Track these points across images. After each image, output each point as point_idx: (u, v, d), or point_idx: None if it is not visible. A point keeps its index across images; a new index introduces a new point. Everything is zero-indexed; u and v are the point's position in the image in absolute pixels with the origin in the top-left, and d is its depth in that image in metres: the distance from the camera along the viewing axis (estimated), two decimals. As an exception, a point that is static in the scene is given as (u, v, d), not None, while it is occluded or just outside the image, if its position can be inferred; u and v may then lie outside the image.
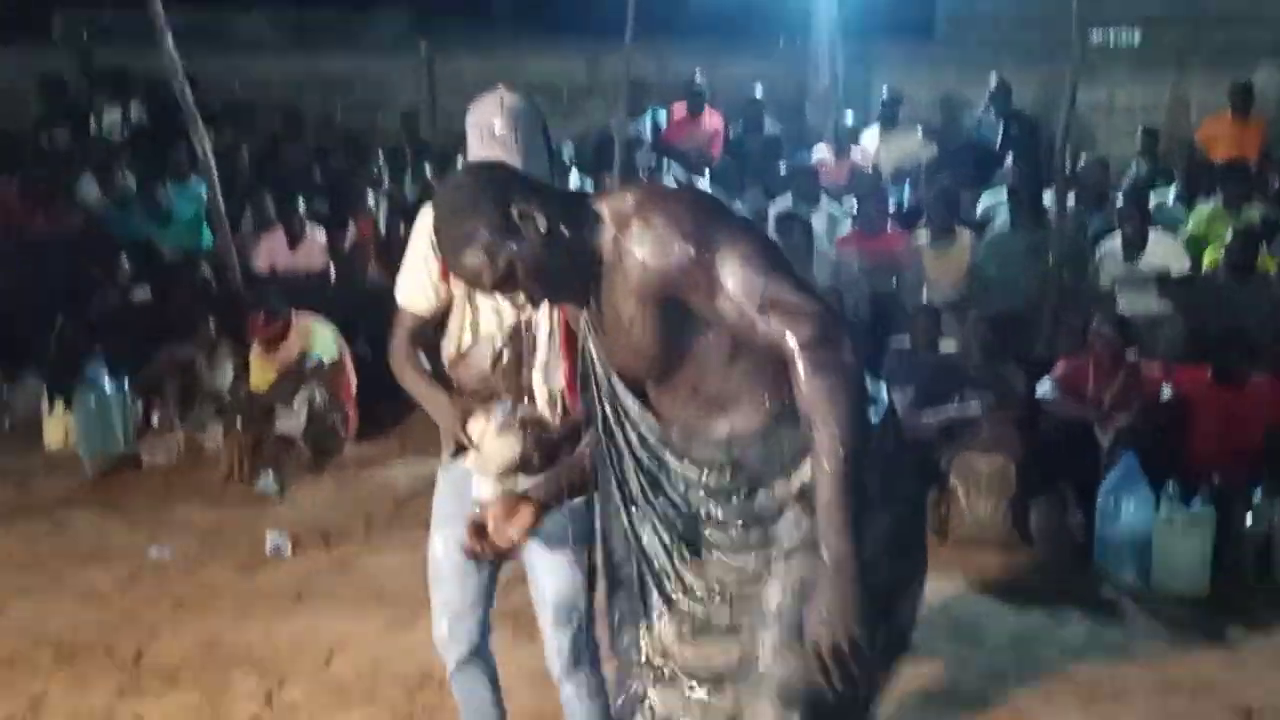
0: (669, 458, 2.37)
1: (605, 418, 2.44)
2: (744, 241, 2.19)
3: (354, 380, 6.84)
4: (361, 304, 7.21)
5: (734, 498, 2.33)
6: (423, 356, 3.15)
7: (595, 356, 2.41)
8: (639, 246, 2.20)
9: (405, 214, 9.11)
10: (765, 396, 2.28)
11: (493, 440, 2.91)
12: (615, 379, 2.39)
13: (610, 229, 2.24)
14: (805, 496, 2.25)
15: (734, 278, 2.15)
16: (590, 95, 11.53)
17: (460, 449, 2.96)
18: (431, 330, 3.14)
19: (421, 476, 6.32)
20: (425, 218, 3.06)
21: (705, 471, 2.34)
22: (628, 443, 2.41)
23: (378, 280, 8.37)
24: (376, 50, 13.04)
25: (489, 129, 2.83)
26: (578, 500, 3.07)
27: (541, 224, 2.21)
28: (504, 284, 2.27)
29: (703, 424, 2.32)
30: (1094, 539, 5.31)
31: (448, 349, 3.12)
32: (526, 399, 3.01)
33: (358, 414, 6.80)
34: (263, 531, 5.57)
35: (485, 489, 3.00)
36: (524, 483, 2.92)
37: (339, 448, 6.69)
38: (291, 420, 6.46)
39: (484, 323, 3.02)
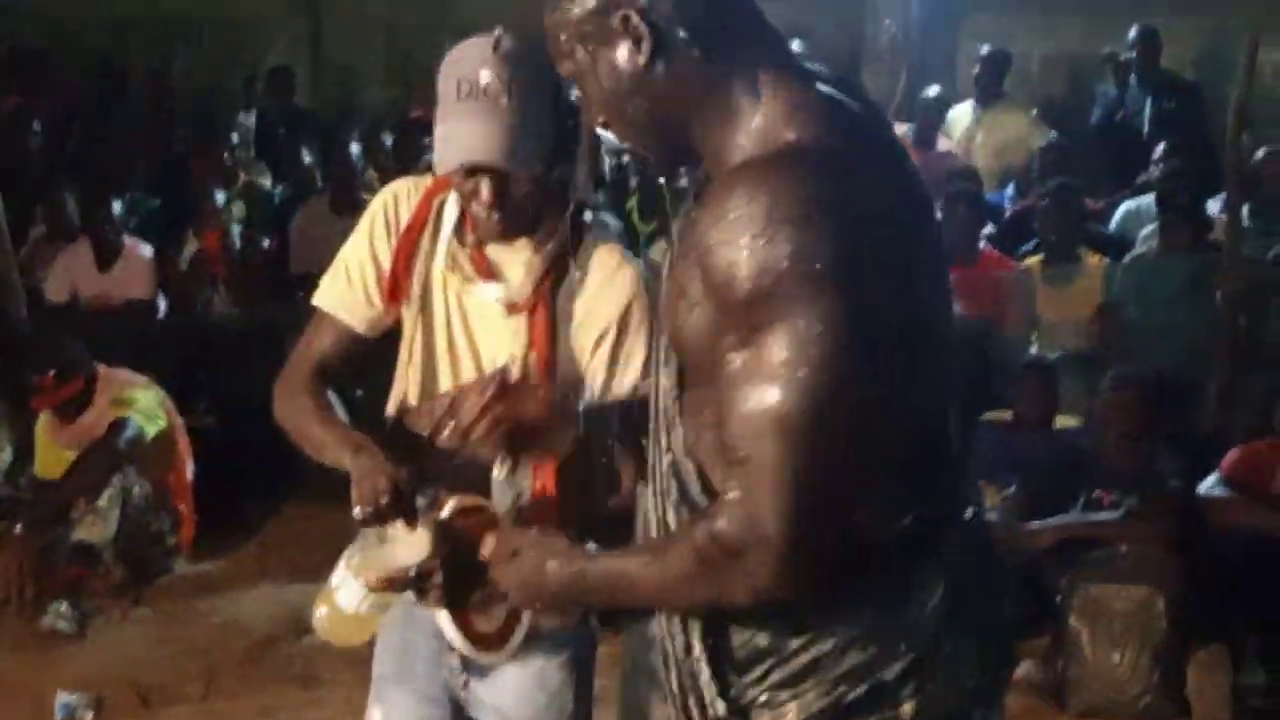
0: None
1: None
2: (827, 334, 2.05)
3: (190, 465, 6.85)
4: (204, 350, 7.26)
5: None
6: (336, 401, 3.10)
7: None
8: (714, 209, 2.12)
9: (272, 220, 9.17)
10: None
11: (394, 533, 2.86)
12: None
13: (742, 142, 2.20)
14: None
15: (760, 365, 2.08)
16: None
17: (377, 518, 2.84)
18: (355, 368, 3.12)
19: (289, 611, 6.31)
20: (386, 192, 3.11)
21: None
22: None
23: (229, 315, 8.42)
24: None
25: (474, 79, 2.83)
26: (569, 692, 3.13)
27: (641, 56, 2.20)
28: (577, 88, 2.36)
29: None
30: (1284, 710, 5.36)
31: (389, 407, 3.13)
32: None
33: (196, 516, 6.81)
34: (53, 688, 5.53)
35: (349, 593, 2.95)
36: (381, 605, 2.92)
37: (167, 566, 6.70)
38: (97, 524, 6.45)
39: (441, 370, 3.04)
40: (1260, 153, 9.00)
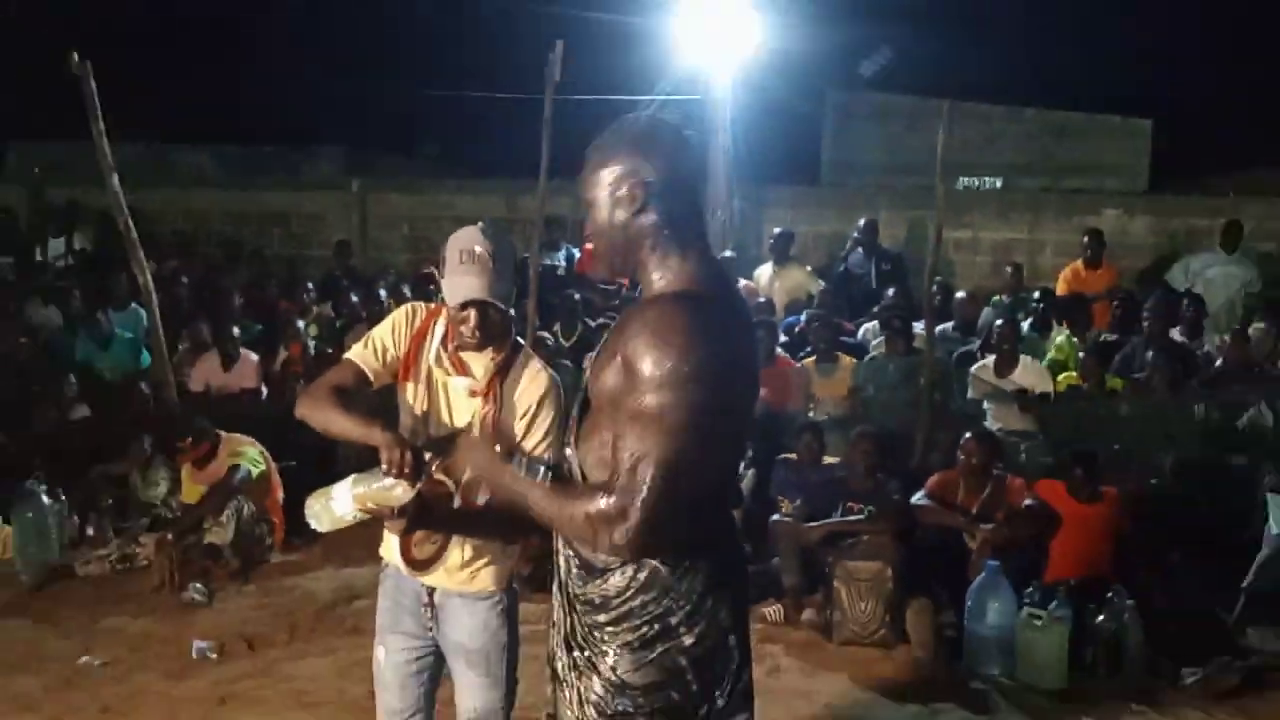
0: None
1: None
2: (686, 409, 2.15)
3: (280, 493, 6.76)
4: (289, 421, 7.18)
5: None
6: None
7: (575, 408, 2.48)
8: (636, 318, 2.24)
9: (333, 336, 9.13)
10: None
11: (391, 481, 2.81)
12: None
13: (661, 282, 2.31)
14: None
15: (643, 416, 2.17)
16: (510, 230, 11.70)
17: (399, 476, 2.77)
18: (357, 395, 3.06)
19: (344, 585, 6.25)
20: (402, 309, 3.12)
21: None
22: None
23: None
24: (312, 186, 13.12)
25: (471, 250, 2.90)
26: (503, 631, 3.10)
27: (632, 214, 2.30)
28: (588, 212, 2.38)
29: None
30: (964, 636, 5.40)
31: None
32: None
33: (284, 525, 6.71)
34: (190, 639, 5.44)
35: (342, 504, 2.88)
36: (359, 516, 2.88)
37: (265, 557, 6.59)
38: (220, 532, 6.35)
39: (432, 424, 3.04)
40: (959, 294, 9.24)
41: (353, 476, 2.92)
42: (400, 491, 2.78)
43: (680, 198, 2.32)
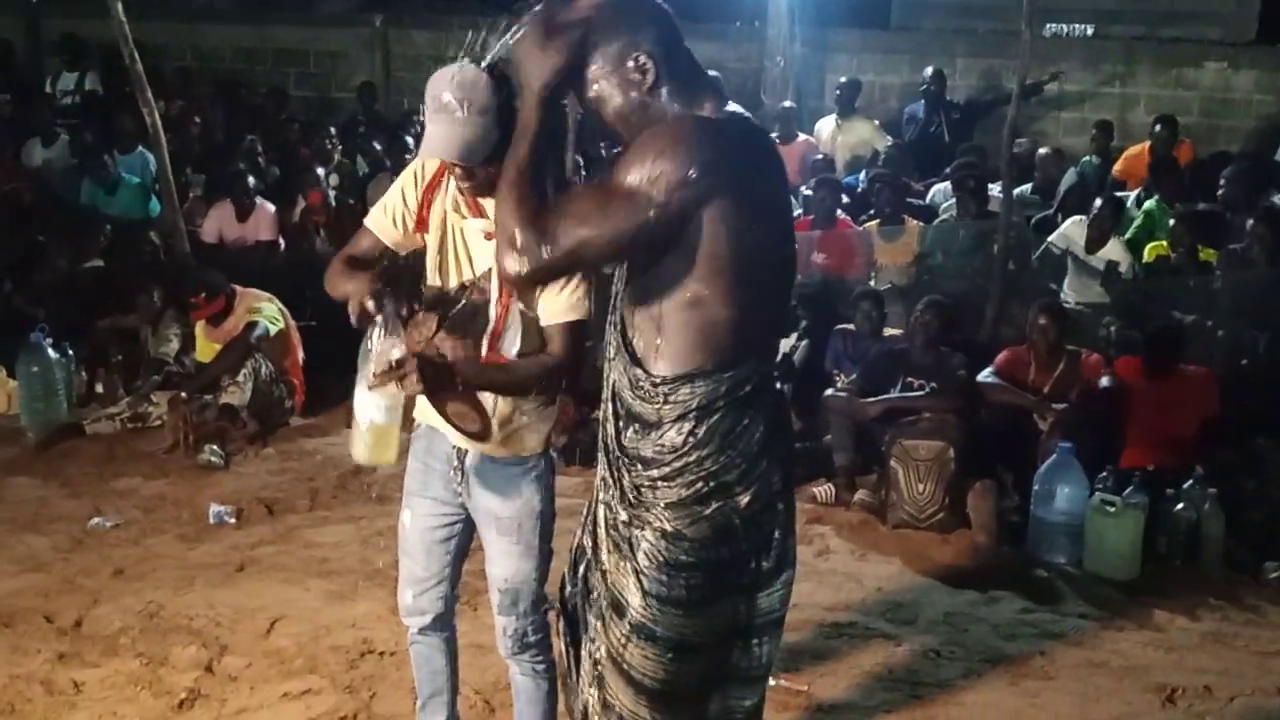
0: None
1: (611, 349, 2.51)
2: (633, 197, 2.22)
3: (300, 352, 6.82)
4: (309, 275, 7.21)
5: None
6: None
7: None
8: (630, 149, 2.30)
9: (356, 186, 9.10)
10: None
11: (378, 341, 2.79)
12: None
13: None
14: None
15: (602, 190, 2.29)
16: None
17: (361, 320, 2.80)
18: (377, 263, 3.07)
19: (368, 450, 6.33)
20: (413, 164, 3.09)
21: None
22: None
23: (326, 251, 8.38)
24: (330, 23, 12.93)
25: (438, 97, 2.77)
26: (536, 498, 3.11)
27: (645, 84, 2.32)
28: (589, 99, 2.38)
29: None
30: (1029, 523, 5.41)
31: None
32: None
33: (304, 386, 6.78)
34: (206, 502, 5.55)
35: (363, 409, 2.89)
36: (391, 410, 2.86)
37: (284, 420, 6.67)
38: (237, 392, 6.42)
39: (450, 271, 3.02)
40: (1041, 151, 9.05)
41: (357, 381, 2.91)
42: (397, 352, 2.75)
43: (680, 56, 2.37)
